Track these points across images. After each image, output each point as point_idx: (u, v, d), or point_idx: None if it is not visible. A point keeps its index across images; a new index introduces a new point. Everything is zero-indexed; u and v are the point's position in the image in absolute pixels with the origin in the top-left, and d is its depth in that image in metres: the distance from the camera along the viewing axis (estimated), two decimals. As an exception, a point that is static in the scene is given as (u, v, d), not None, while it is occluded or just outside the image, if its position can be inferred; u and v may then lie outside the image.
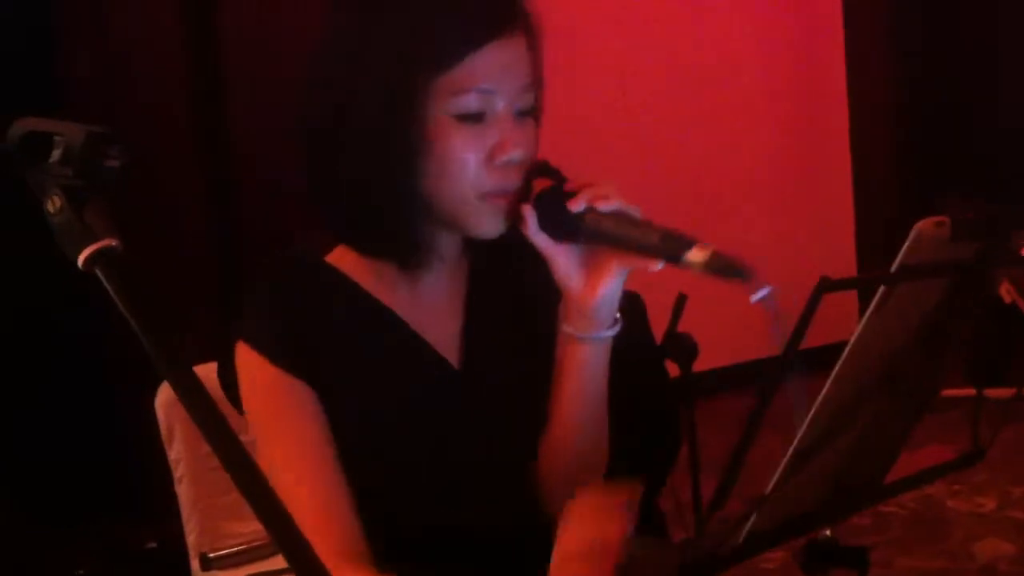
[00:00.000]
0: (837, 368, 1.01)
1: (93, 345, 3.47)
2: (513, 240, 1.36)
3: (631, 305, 1.47)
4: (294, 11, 3.71)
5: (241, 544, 2.80)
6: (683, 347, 2.38)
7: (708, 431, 2.44)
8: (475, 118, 1.26)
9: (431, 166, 1.27)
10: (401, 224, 1.32)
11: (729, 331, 3.80)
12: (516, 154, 1.27)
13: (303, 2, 3.54)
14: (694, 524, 2.34)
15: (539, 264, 1.35)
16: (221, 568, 2.74)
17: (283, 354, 1.34)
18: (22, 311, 3.44)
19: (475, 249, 1.42)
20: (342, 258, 1.40)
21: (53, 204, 0.93)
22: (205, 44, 3.86)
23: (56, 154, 0.93)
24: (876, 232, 5.82)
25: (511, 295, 1.43)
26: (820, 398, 1.01)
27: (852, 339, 1.02)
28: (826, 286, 0.96)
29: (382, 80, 1.25)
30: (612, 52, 5.12)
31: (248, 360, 1.36)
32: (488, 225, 1.30)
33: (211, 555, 2.75)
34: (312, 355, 1.35)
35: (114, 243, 0.93)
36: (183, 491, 2.88)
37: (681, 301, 2.38)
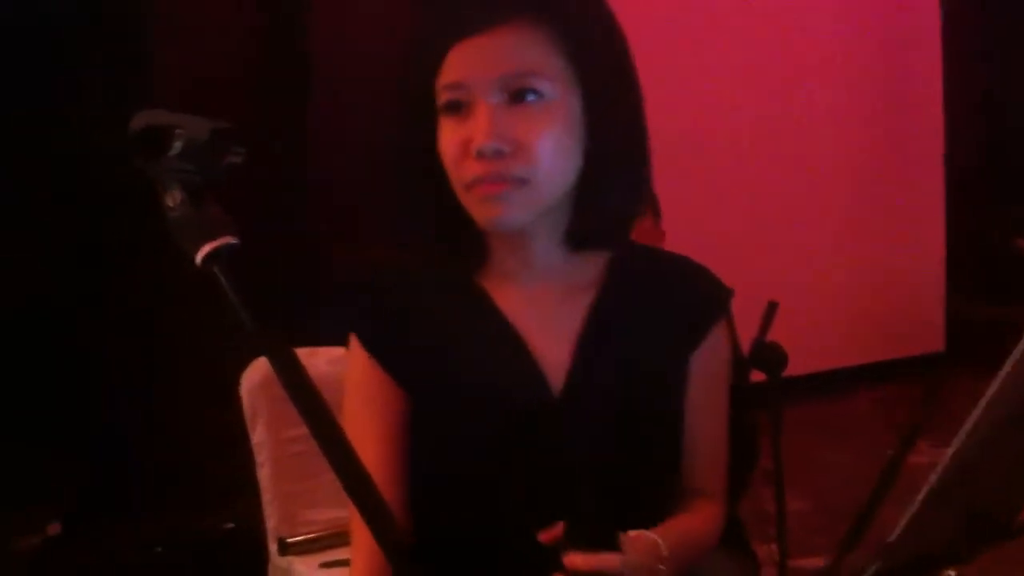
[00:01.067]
0: (984, 401, 0.95)
1: (173, 332, 3.49)
2: (652, 274, 1.38)
3: (716, 280, 1.45)
4: (377, 27, 3.70)
5: (317, 531, 2.81)
6: (772, 357, 2.31)
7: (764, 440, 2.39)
8: (453, 109, 1.27)
9: (439, 161, 1.31)
10: (443, 227, 1.34)
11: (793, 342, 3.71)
12: (486, 146, 1.24)
13: (386, 17, 3.53)
14: (776, 536, 2.28)
15: (669, 302, 1.37)
16: (298, 553, 2.74)
17: (378, 346, 1.34)
18: (94, 298, 3.46)
19: (613, 276, 1.40)
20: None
21: (172, 199, 0.90)
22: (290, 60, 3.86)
23: (177, 147, 0.90)
24: (965, 239, 5.68)
25: (633, 328, 1.38)
26: (966, 429, 0.95)
27: (1002, 372, 0.96)
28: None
29: (406, 86, 1.31)
30: (707, 54, 5.03)
31: (353, 346, 1.38)
32: (481, 215, 1.28)
33: (289, 540, 2.76)
34: (408, 352, 1.34)
35: (233, 240, 0.90)
36: (264, 476, 2.89)
37: (772, 309, 2.31)
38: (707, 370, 1.41)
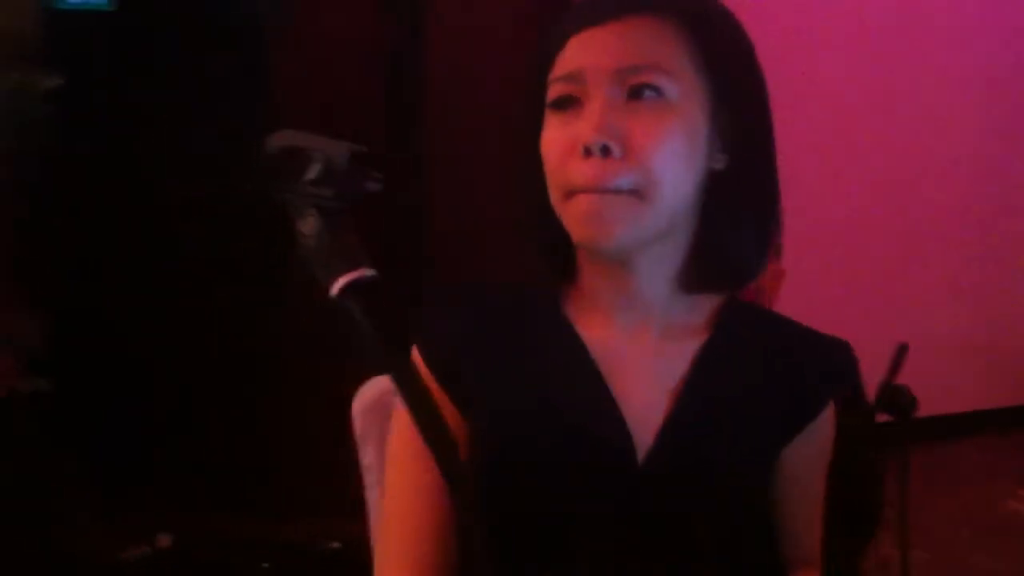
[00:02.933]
0: None
1: (287, 347, 3.47)
2: (769, 334, 1.19)
3: (842, 358, 1.23)
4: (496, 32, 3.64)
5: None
6: (902, 401, 2.17)
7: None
8: (563, 105, 1.10)
9: (540, 162, 1.14)
10: (543, 237, 1.15)
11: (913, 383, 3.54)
12: (595, 141, 1.05)
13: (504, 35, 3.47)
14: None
15: (784, 369, 1.17)
16: None
17: (447, 375, 1.15)
18: (209, 313, 3.47)
19: (723, 328, 1.19)
20: (568, 295, 1.21)
21: (308, 225, 0.83)
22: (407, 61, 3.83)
23: (313, 171, 0.83)
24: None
25: (739, 391, 1.17)
26: None
27: None
28: None
29: (528, 86, 1.16)
30: (850, 55, 4.87)
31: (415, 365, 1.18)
32: (581, 230, 1.08)
33: (394, 565, 2.69)
34: (481, 388, 1.15)
35: (370, 272, 0.82)
36: (372, 499, 2.82)
37: (901, 351, 2.17)
38: (815, 446, 1.22)
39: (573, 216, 1.08)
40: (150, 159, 3.33)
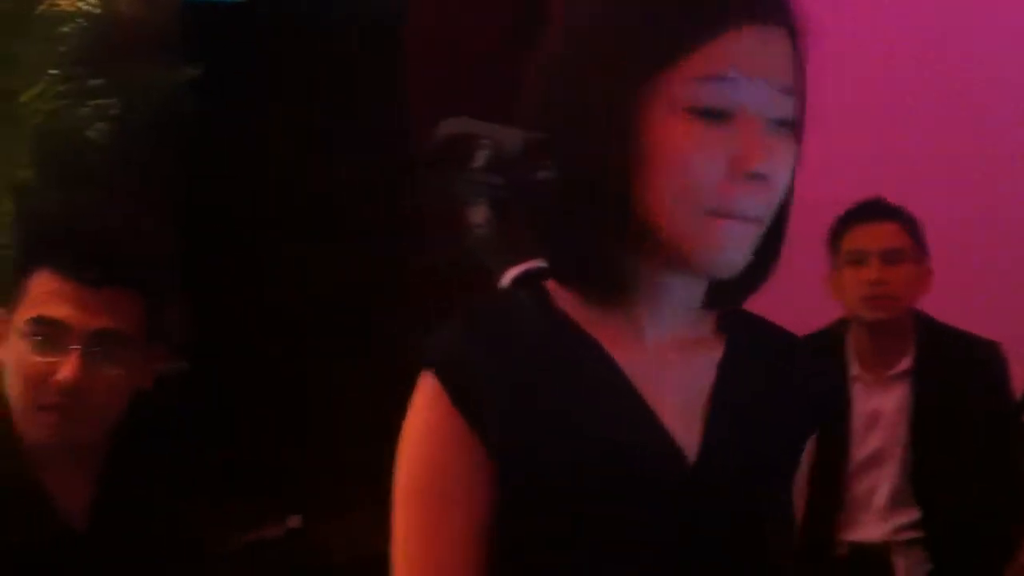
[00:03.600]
0: None
1: (393, 343, 3.47)
2: (769, 338, 1.11)
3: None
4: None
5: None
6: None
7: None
8: (717, 115, 0.96)
9: (653, 173, 0.97)
10: (604, 245, 1.01)
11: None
12: (764, 167, 0.97)
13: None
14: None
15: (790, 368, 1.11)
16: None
17: (473, 406, 0.99)
18: (334, 302, 3.48)
19: (733, 337, 1.12)
20: (568, 301, 1.06)
21: (478, 214, 0.80)
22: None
23: (481, 158, 0.80)
24: None
25: (762, 393, 1.12)
26: None
27: None
28: None
29: (612, 64, 0.98)
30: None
31: (427, 393, 1.02)
32: (709, 254, 0.99)
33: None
34: (506, 414, 1.00)
35: (540, 264, 0.79)
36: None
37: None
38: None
39: (704, 238, 0.99)
40: (284, 151, 3.37)
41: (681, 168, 0.96)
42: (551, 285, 1.00)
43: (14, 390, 1.23)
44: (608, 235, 0.98)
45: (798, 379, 1.12)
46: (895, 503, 2.38)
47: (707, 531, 1.04)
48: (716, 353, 1.09)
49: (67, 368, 1.20)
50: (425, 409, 0.99)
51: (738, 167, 0.95)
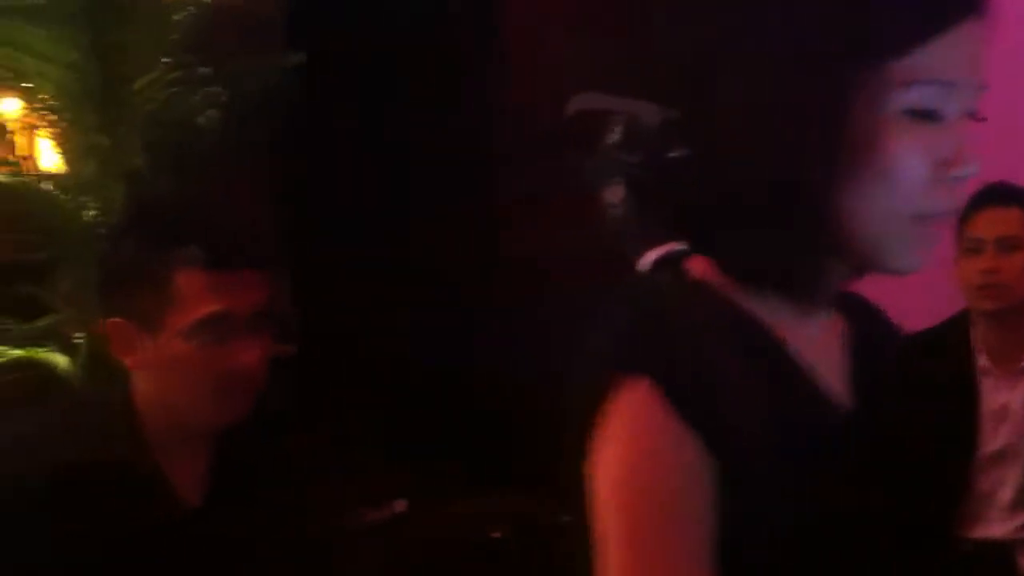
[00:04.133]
0: None
1: (555, 322, 3.44)
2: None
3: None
4: None
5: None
6: None
7: None
8: (931, 116, 0.94)
9: (862, 175, 0.95)
10: (803, 247, 0.98)
11: None
12: (972, 168, 0.95)
13: None
14: None
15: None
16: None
17: (703, 415, 0.95)
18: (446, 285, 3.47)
19: (836, 303, 1.10)
20: (725, 286, 1.02)
21: (613, 194, 0.75)
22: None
23: (616, 135, 0.75)
24: None
25: (870, 358, 1.13)
26: None
27: None
28: None
29: (822, 59, 0.94)
30: None
31: (641, 400, 0.95)
32: (911, 257, 0.98)
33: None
34: (726, 413, 0.96)
35: (681, 246, 0.74)
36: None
37: None
38: None
39: (907, 243, 0.97)
40: (388, 134, 3.36)
41: (894, 172, 0.93)
42: (697, 268, 0.95)
43: (182, 386, 1.25)
44: (803, 240, 0.95)
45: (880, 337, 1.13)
46: (1021, 500, 2.28)
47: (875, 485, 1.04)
48: (838, 325, 1.08)
49: (248, 352, 1.25)
50: (644, 418, 0.93)
51: (946, 169, 0.93)
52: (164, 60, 2.57)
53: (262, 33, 3.03)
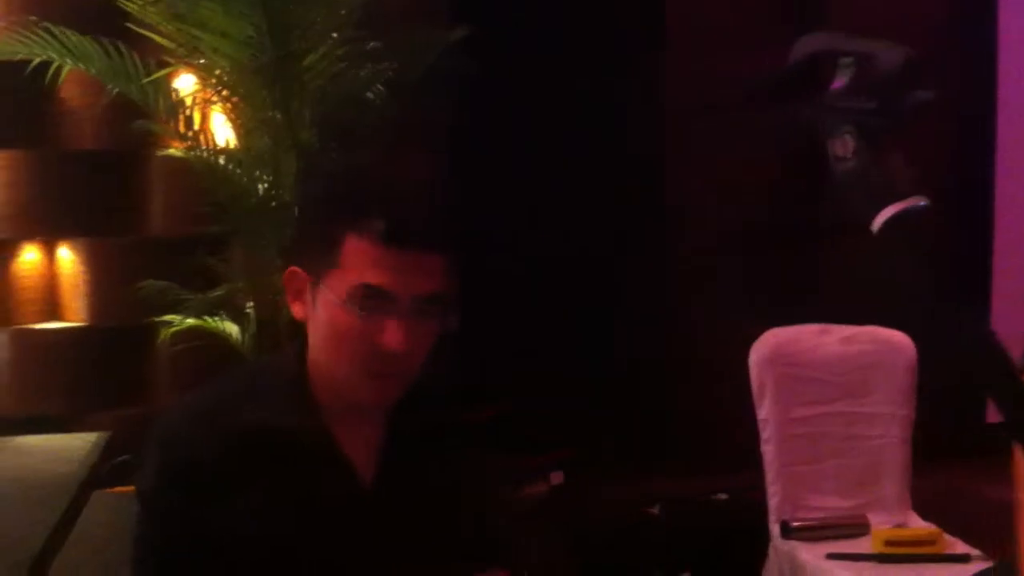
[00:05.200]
0: None
1: (692, 298, 3.36)
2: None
3: None
4: None
5: (821, 518, 2.55)
6: None
7: None
8: None
9: None
10: None
11: None
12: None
13: None
14: None
15: None
16: (802, 539, 2.50)
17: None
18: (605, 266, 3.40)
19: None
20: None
21: (843, 146, 0.67)
22: None
23: (847, 76, 0.66)
24: None
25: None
26: None
27: None
28: None
29: None
30: None
31: None
32: None
33: (793, 524, 2.52)
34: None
35: (923, 201, 0.65)
36: (768, 451, 2.66)
37: None
38: None
39: None
40: (553, 109, 3.30)
41: None
42: None
43: (332, 353, 1.21)
44: None
45: None
46: None
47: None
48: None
49: (396, 336, 1.18)
50: None
51: None
52: (333, 35, 2.56)
53: (428, 7, 3.01)
